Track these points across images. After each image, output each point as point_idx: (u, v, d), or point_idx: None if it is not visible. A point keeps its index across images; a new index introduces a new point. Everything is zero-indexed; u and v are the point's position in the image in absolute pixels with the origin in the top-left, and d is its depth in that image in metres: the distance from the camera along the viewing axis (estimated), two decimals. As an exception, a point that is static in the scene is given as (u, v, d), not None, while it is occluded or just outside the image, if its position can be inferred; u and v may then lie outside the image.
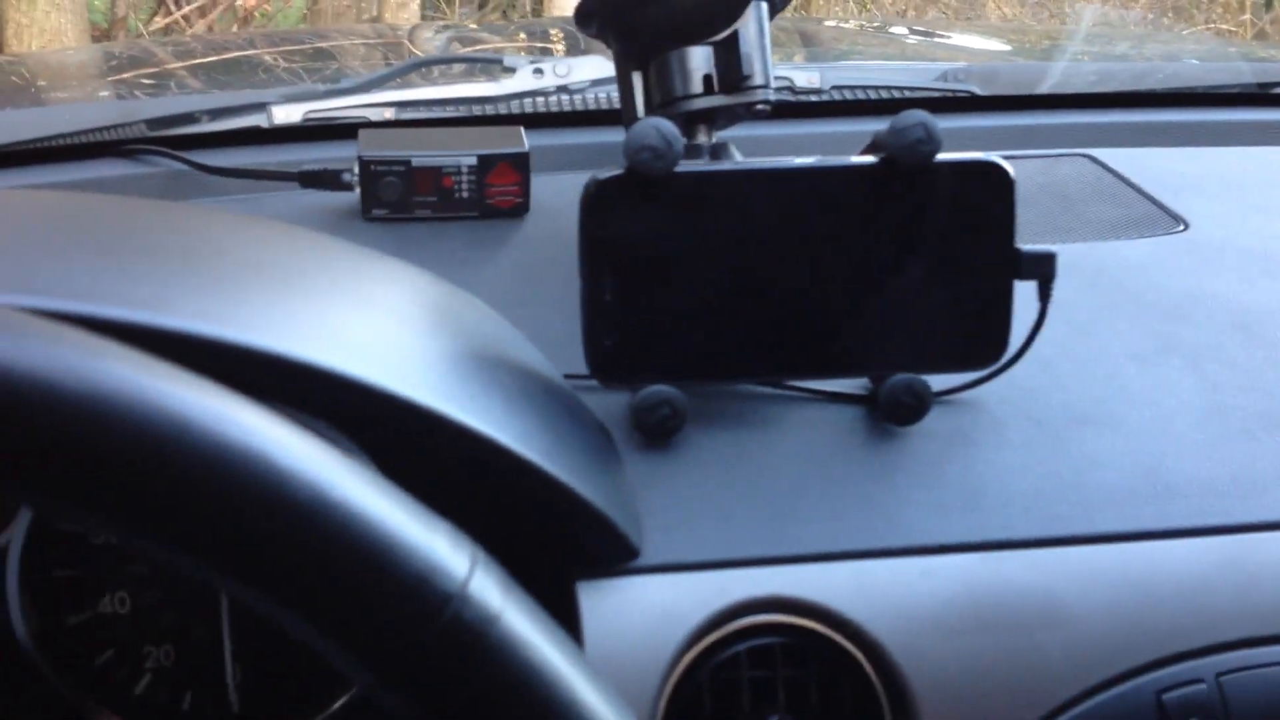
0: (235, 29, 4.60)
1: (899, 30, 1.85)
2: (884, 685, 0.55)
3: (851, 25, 2.19)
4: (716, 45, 0.73)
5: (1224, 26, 5.28)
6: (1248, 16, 5.32)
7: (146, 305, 0.43)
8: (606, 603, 0.54)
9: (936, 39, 1.54)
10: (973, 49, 1.46)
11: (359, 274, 0.56)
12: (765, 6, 0.74)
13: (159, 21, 4.60)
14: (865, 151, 0.60)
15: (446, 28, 2.36)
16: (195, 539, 0.28)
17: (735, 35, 0.72)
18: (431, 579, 0.30)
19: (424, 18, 4.83)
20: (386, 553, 0.29)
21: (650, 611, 0.54)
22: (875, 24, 2.69)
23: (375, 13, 4.72)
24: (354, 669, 0.30)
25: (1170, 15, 5.40)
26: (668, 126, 0.57)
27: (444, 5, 5.15)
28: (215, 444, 0.28)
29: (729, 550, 0.56)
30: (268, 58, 1.30)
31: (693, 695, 0.54)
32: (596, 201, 0.58)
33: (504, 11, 5.29)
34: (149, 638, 0.59)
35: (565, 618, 0.54)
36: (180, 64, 1.22)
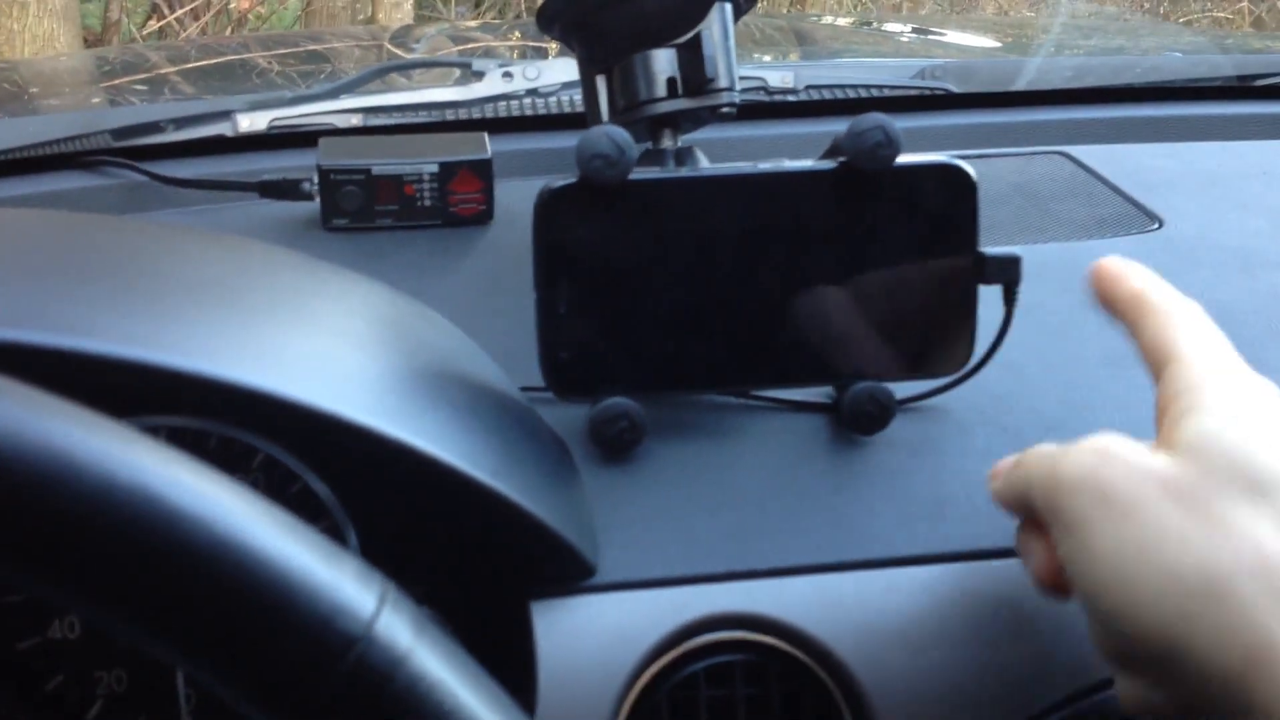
0: (230, 32, 4.59)
1: (881, 27, 1.84)
2: (847, 703, 0.53)
3: (841, 22, 2.18)
4: (680, 48, 0.72)
5: (1220, 14, 5.25)
6: (1245, 4, 5.29)
7: (65, 328, 0.42)
8: (561, 623, 0.53)
9: (924, 35, 1.52)
10: (956, 45, 1.45)
11: (304, 289, 0.55)
12: (729, 8, 0.72)
13: (153, 24, 4.59)
14: (825, 155, 0.59)
15: (438, 28, 2.35)
16: (79, 582, 0.27)
17: (698, 37, 0.71)
18: (334, 621, 0.29)
19: (419, 18, 4.82)
20: (285, 595, 0.28)
21: (606, 631, 0.53)
22: (859, 21, 2.68)
23: (370, 12, 4.71)
24: (256, 717, 0.29)
25: (1167, 3, 5.38)
26: (620, 134, 0.56)
27: (440, 4, 5.14)
28: (101, 482, 0.27)
29: (688, 566, 0.55)
30: (252, 62, 1.29)
31: (650, 717, 0.53)
32: (549, 210, 0.56)
33: (500, 10, 5.27)
34: (100, 662, 0.58)
35: (520, 638, 0.53)
36: (153, 73, 1.21)
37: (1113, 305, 0.52)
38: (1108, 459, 0.45)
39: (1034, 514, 0.48)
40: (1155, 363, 0.49)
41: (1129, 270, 0.52)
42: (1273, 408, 0.46)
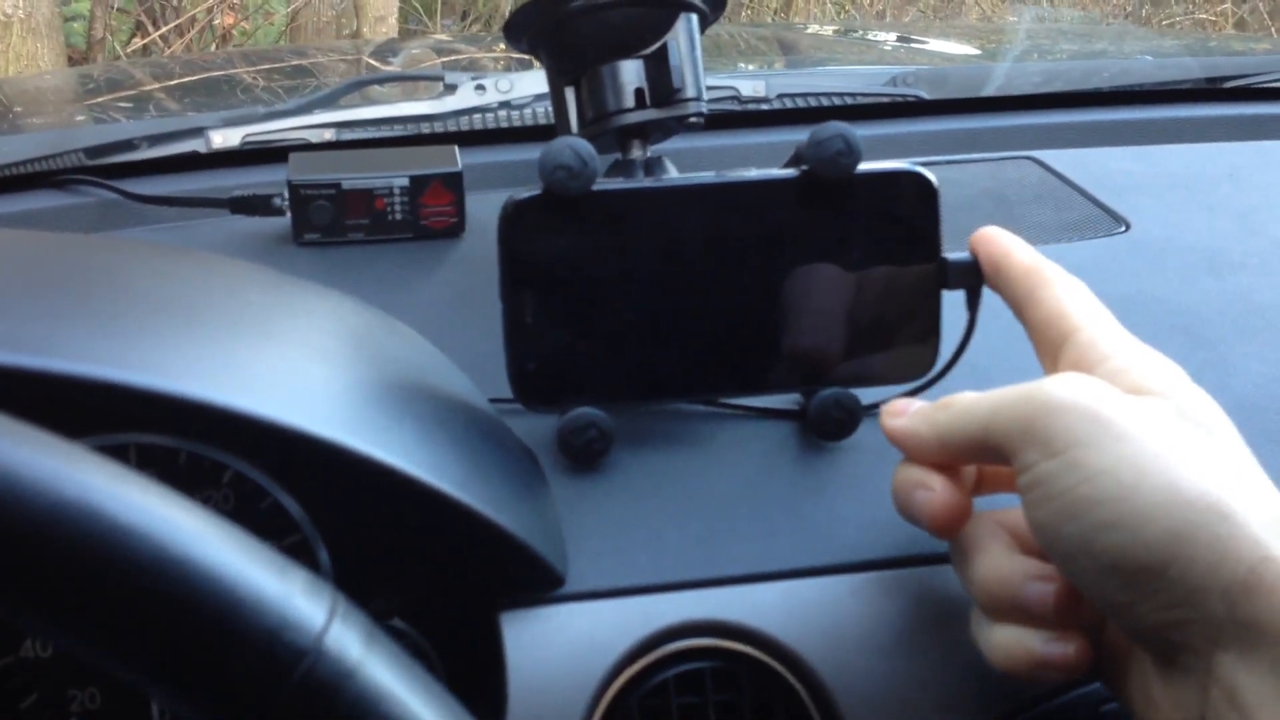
0: (214, 48, 4.59)
1: (864, 35, 1.85)
2: (817, 707, 0.54)
3: (823, 31, 2.19)
4: (647, 59, 0.72)
5: (1203, 16, 5.28)
6: (1228, 5, 5.32)
7: (30, 348, 0.42)
8: (530, 633, 0.53)
9: (905, 43, 1.53)
10: (935, 52, 1.45)
11: (270, 304, 0.55)
12: (695, 19, 0.73)
13: (137, 42, 4.59)
14: (787, 164, 0.59)
15: (420, 42, 2.35)
16: (24, 598, 0.27)
17: (665, 48, 0.72)
18: (283, 635, 0.29)
19: (404, 32, 4.82)
20: (233, 609, 0.28)
21: (575, 641, 0.53)
22: (842, 29, 2.68)
23: (355, 27, 4.71)
24: (205, 729, 0.29)
25: (1148, 5, 5.40)
26: (582, 145, 0.56)
27: (425, 18, 5.14)
28: (46, 499, 0.27)
29: (657, 574, 0.55)
30: (234, 77, 1.30)
31: None
32: (514, 222, 0.57)
33: (486, 23, 5.27)
34: (74, 681, 0.58)
35: (490, 649, 0.53)
36: (134, 90, 1.21)
37: (1005, 275, 0.56)
38: (1095, 387, 0.46)
39: (968, 448, 0.50)
40: (1057, 330, 0.52)
41: (1016, 243, 0.56)
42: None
